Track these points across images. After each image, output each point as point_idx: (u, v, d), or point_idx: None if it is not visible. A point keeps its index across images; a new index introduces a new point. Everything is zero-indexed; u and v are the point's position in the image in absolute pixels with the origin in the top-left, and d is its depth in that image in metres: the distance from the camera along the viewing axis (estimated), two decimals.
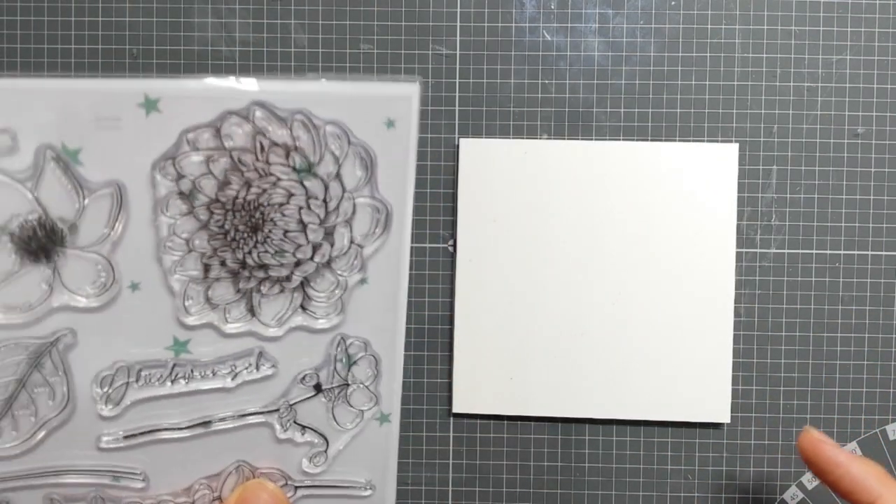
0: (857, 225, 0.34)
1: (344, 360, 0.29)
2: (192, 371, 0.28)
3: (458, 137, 0.34)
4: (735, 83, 0.34)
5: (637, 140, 0.34)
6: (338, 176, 0.27)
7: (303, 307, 0.28)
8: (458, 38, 0.34)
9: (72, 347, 0.27)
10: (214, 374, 0.28)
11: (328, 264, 0.28)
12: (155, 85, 0.25)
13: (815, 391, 0.34)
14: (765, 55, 0.34)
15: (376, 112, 0.27)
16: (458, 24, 0.34)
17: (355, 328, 0.29)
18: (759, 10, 0.34)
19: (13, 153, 0.25)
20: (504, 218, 0.34)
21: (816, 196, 0.34)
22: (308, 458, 0.30)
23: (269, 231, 0.27)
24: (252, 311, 0.28)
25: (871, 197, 0.34)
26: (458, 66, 0.34)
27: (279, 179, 0.27)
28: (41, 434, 0.27)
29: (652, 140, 0.34)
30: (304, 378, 0.29)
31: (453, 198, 0.34)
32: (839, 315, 0.34)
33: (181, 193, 0.26)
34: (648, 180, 0.34)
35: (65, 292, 0.26)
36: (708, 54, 0.34)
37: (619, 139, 0.34)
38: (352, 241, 0.28)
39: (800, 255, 0.34)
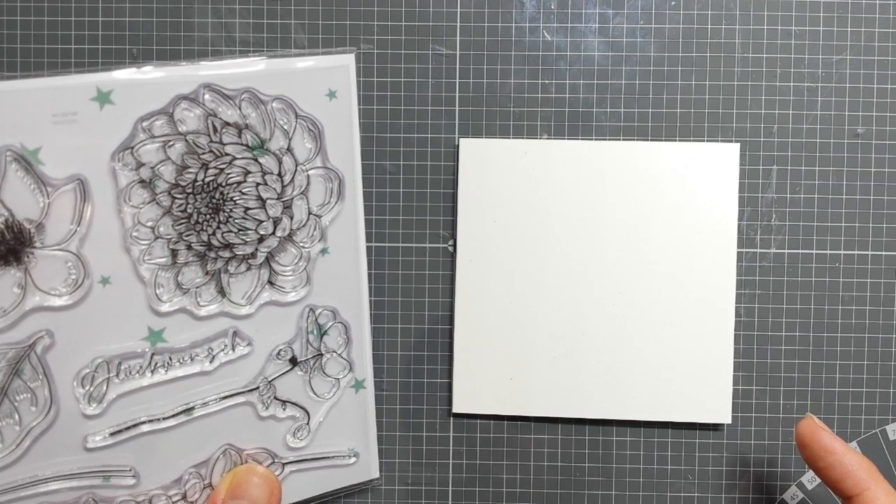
0: (857, 225, 0.34)
1: (315, 331, 0.29)
2: (170, 359, 0.28)
3: (458, 137, 0.34)
4: (735, 83, 0.34)
5: (637, 140, 0.34)
6: (289, 150, 0.28)
7: (270, 282, 0.29)
8: (458, 38, 0.34)
9: (50, 349, 0.27)
10: (192, 359, 0.28)
11: (290, 237, 0.28)
12: (105, 77, 0.26)
13: (815, 391, 0.34)
14: (765, 55, 0.34)
15: (318, 84, 0.28)
16: (458, 24, 0.34)
17: (322, 298, 0.29)
18: (759, 10, 0.34)
19: None
20: (504, 218, 0.34)
21: (816, 196, 0.34)
22: (291, 432, 0.30)
23: (231, 210, 0.28)
24: (222, 292, 0.28)
25: (871, 197, 0.34)
26: (458, 66, 0.34)
27: (234, 158, 0.27)
28: (27, 442, 0.27)
29: (652, 140, 0.34)
30: (279, 353, 0.29)
31: (453, 198, 0.34)
32: (839, 315, 0.34)
33: (142, 181, 0.27)
34: (648, 180, 0.34)
35: (37, 293, 0.26)
36: (708, 54, 0.34)
37: (619, 139, 0.34)
38: (309, 213, 0.28)
39: (800, 255, 0.34)
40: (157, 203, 0.27)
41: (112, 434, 0.28)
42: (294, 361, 0.29)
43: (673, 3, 0.34)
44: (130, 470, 0.28)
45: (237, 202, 0.28)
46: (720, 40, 0.34)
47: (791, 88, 0.34)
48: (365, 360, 0.30)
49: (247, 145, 0.27)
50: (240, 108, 0.27)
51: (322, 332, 0.30)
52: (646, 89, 0.34)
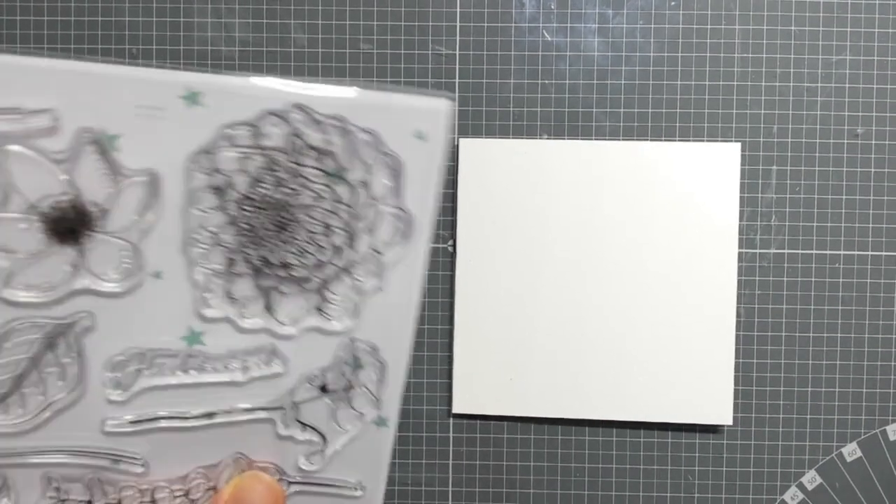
0: (857, 225, 0.34)
1: (351, 364, 0.29)
2: (203, 363, 0.28)
3: (458, 137, 0.34)
4: (735, 83, 0.34)
5: (637, 140, 0.34)
6: (366, 183, 0.27)
7: (318, 309, 0.29)
8: (458, 38, 0.34)
9: (89, 331, 0.27)
10: (226, 367, 0.28)
11: (347, 269, 0.28)
12: (199, 79, 0.26)
13: (815, 391, 0.34)
14: (765, 55, 0.34)
15: (408, 124, 0.27)
16: (458, 24, 0.34)
17: (366, 333, 0.29)
18: (759, 10, 0.34)
19: (53, 134, 0.25)
20: (504, 218, 0.34)
21: (816, 196, 0.34)
22: (305, 455, 0.30)
23: (295, 232, 0.27)
24: (269, 309, 0.28)
25: (871, 197, 0.34)
26: (458, 66, 0.34)
27: (310, 182, 0.27)
28: (47, 413, 0.27)
29: (652, 140, 0.34)
30: (311, 378, 0.29)
31: (453, 198, 0.34)
32: (839, 315, 0.34)
33: (214, 188, 0.27)
34: (649, 180, 0.34)
35: (88, 276, 0.26)
36: (708, 54, 0.34)
37: (619, 139, 0.34)
38: (373, 249, 0.28)
39: (800, 256, 0.34)
40: (225, 211, 0.27)
41: (131, 422, 0.28)
42: (324, 389, 0.30)
43: (673, 3, 0.34)
44: (141, 459, 0.28)
45: (303, 225, 0.27)
46: (720, 40, 0.34)
47: (791, 88, 0.34)
48: (393, 401, 0.31)
49: (325, 171, 0.27)
50: (327, 134, 0.27)
51: (358, 366, 0.30)
52: (646, 89, 0.34)
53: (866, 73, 0.34)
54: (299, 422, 0.29)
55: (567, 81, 0.34)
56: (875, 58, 0.34)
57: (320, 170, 0.27)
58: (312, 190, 0.27)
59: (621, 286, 0.34)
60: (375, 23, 0.34)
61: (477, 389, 0.34)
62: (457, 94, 0.34)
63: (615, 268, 0.34)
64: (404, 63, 0.34)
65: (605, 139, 0.34)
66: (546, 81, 0.34)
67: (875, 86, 0.34)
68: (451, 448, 0.35)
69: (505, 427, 0.35)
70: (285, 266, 0.28)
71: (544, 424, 0.35)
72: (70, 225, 0.26)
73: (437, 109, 0.27)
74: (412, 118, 0.27)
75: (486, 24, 0.34)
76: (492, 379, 0.34)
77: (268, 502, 0.28)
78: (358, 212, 0.28)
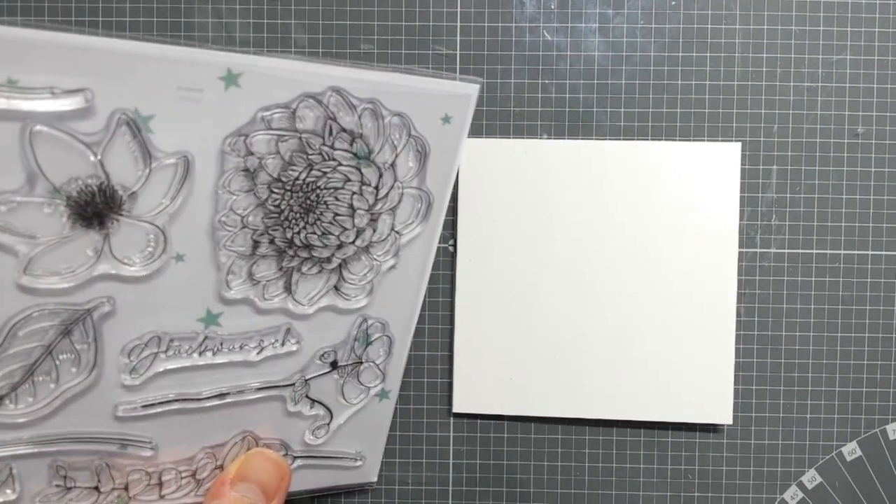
0: (857, 225, 0.34)
1: (362, 340, 0.30)
2: (220, 344, 0.28)
3: None
4: (735, 83, 0.34)
5: (637, 140, 0.34)
6: (393, 165, 0.28)
7: (336, 288, 0.29)
8: (458, 38, 0.34)
9: (108, 316, 0.26)
10: (241, 347, 0.28)
11: (367, 249, 0.28)
12: (239, 59, 0.25)
13: (815, 391, 0.34)
14: (765, 55, 0.34)
15: (437, 108, 0.27)
16: (458, 24, 0.34)
17: (377, 310, 0.29)
18: (759, 10, 0.34)
19: (88, 115, 0.24)
20: (504, 218, 0.34)
21: (816, 196, 0.34)
22: (311, 430, 0.30)
23: (321, 213, 0.27)
24: (288, 289, 0.28)
25: (871, 197, 0.34)
26: (458, 66, 0.34)
27: (339, 164, 0.27)
28: (58, 402, 0.27)
29: (652, 140, 0.34)
30: (322, 355, 0.29)
31: (454, 198, 0.34)
32: (839, 315, 0.34)
33: (246, 170, 0.26)
34: (649, 180, 0.34)
35: (111, 260, 0.26)
36: (708, 54, 0.34)
37: (619, 139, 0.34)
38: (392, 229, 0.28)
39: (800, 255, 0.34)
40: (254, 194, 0.26)
41: (144, 406, 0.28)
42: (334, 365, 0.30)
43: (673, 3, 0.34)
44: (150, 442, 0.28)
45: (329, 206, 0.27)
46: (720, 40, 0.34)
47: (791, 88, 0.34)
48: (398, 373, 0.31)
49: (355, 154, 0.27)
50: (360, 118, 0.27)
51: (368, 342, 0.30)
52: (646, 89, 0.34)
53: (866, 73, 0.34)
54: (308, 398, 0.29)
55: (567, 81, 0.34)
56: (875, 58, 0.34)
57: (351, 152, 0.27)
58: (341, 172, 0.27)
59: (621, 286, 0.34)
60: (375, 23, 0.34)
61: (477, 389, 0.34)
62: None
63: (615, 267, 0.34)
64: (404, 63, 0.34)
65: (605, 139, 0.34)
66: (546, 81, 0.34)
67: (875, 86, 0.34)
68: (451, 448, 0.35)
69: (505, 427, 0.35)
70: (308, 247, 0.28)
71: (544, 424, 0.35)
72: (97, 209, 0.25)
73: (465, 94, 0.27)
74: (441, 102, 0.27)
75: (486, 24, 0.34)
76: (492, 379, 0.34)
77: (274, 478, 0.28)
78: (381, 192, 0.28)
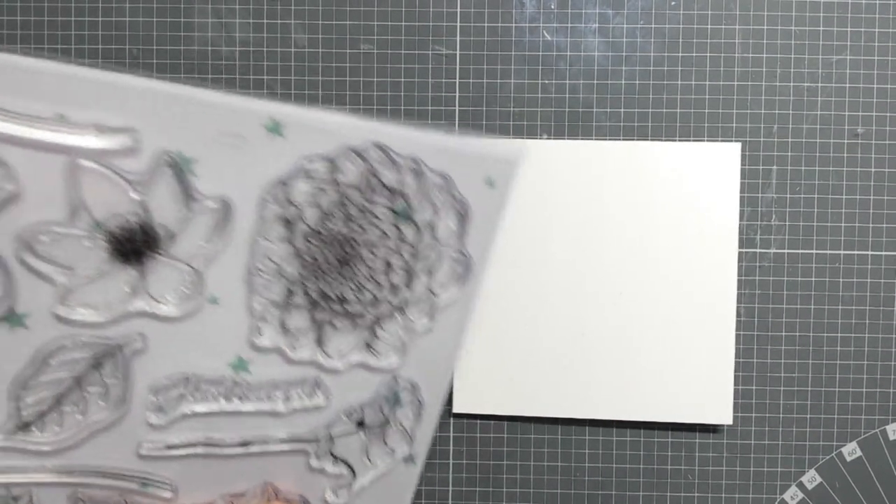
0: (857, 225, 0.34)
1: (391, 401, 0.29)
2: (247, 392, 0.28)
3: None
4: (735, 83, 0.34)
5: (637, 140, 0.34)
6: (432, 225, 0.27)
7: (367, 345, 0.28)
8: (458, 38, 0.34)
9: (140, 353, 0.27)
10: (269, 397, 0.28)
11: (401, 308, 0.28)
12: (283, 109, 0.25)
13: (815, 391, 0.34)
14: (765, 55, 0.34)
15: (480, 170, 0.27)
16: (458, 24, 0.34)
17: (409, 372, 0.29)
18: (759, 10, 0.34)
19: (132, 154, 0.25)
20: (504, 218, 0.34)
21: (816, 196, 0.34)
22: (333, 489, 0.30)
23: (356, 267, 0.27)
24: (319, 342, 0.28)
25: (871, 197, 0.34)
26: (458, 66, 0.34)
27: (378, 220, 0.27)
28: (84, 434, 0.27)
29: (652, 140, 0.34)
30: (350, 413, 0.29)
31: None
32: (839, 315, 0.34)
33: (284, 219, 0.26)
34: (649, 180, 0.34)
35: (146, 298, 0.26)
36: (708, 54, 0.34)
37: (619, 139, 0.34)
38: (429, 290, 0.28)
39: (800, 255, 0.34)
40: (291, 243, 0.27)
41: (168, 447, 0.28)
42: (361, 424, 0.29)
43: (673, 3, 0.34)
44: (170, 484, 0.28)
45: (365, 261, 0.27)
46: (720, 40, 0.34)
47: (791, 88, 0.34)
48: (426, 439, 0.30)
49: (394, 211, 0.27)
50: (401, 175, 0.27)
51: (396, 404, 0.29)
52: (646, 89, 0.34)
53: (866, 73, 0.34)
54: (332, 455, 0.29)
55: (567, 81, 0.34)
56: (875, 58, 0.34)
57: (390, 209, 0.27)
58: (379, 228, 0.27)
59: (621, 286, 0.34)
60: (375, 23, 0.34)
61: (477, 389, 0.34)
62: (457, 94, 0.34)
63: (615, 267, 0.34)
64: (404, 63, 0.34)
65: (605, 139, 0.34)
66: (546, 81, 0.34)
67: (875, 86, 0.34)
68: (451, 448, 0.35)
69: (505, 427, 0.35)
70: (342, 300, 0.27)
71: (544, 424, 0.35)
72: (136, 246, 0.25)
73: (510, 159, 0.27)
74: (485, 165, 0.27)
75: (486, 24, 0.34)
76: (492, 379, 0.34)
77: None
78: (420, 252, 0.27)
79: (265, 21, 0.34)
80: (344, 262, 0.27)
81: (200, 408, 0.27)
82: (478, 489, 0.35)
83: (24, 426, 0.26)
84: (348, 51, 0.34)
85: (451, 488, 0.35)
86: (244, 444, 0.28)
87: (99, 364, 0.26)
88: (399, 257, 0.27)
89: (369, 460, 0.29)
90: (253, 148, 0.25)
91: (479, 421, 0.35)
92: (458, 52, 0.34)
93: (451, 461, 0.35)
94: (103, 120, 0.24)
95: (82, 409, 0.26)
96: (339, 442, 0.29)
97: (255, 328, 0.27)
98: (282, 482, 0.29)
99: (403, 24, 0.34)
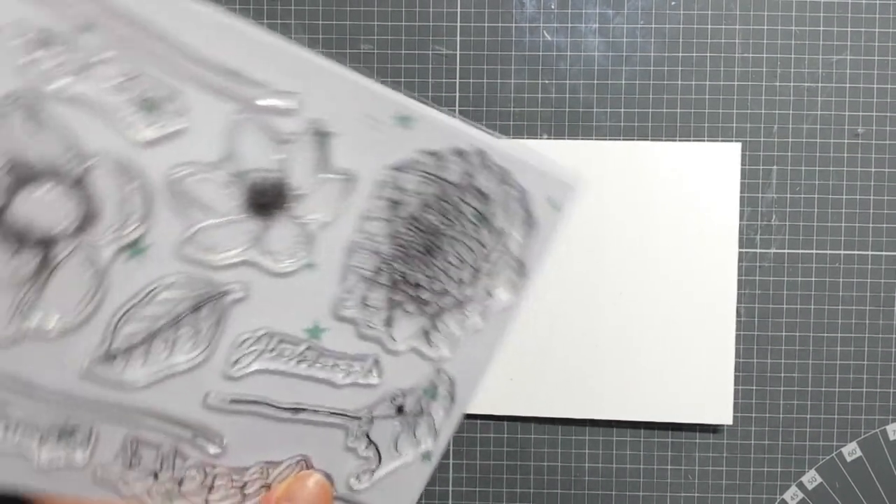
0: (857, 225, 0.34)
1: (430, 392, 0.30)
2: (317, 358, 0.29)
3: None
4: (735, 83, 0.34)
5: (637, 140, 0.34)
6: (503, 233, 0.29)
7: (426, 332, 0.30)
8: (458, 38, 0.34)
9: (238, 303, 0.27)
10: (332, 367, 0.29)
11: (462, 303, 0.29)
12: (415, 106, 0.27)
13: (815, 391, 0.34)
14: (765, 55, 0.34)
15: (551, 191, 0.29)
16: (458, 24, 0.34)
17: (453, 368, 0.30)
18: (759, 10, 0.34)
19: (289, 116, 0.26)
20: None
21: (816, 196, 0.34)
22: (356, 474, 0.30)
23: (436, 258, 0.29)
24: (388, 322, 0.29)
25: (871, 197, 0.34)
26: (458, 66, 0.34)
27: (465, 218, 0.29)
28: (161, 375, 0.27)
29: (652, 140, 0.34)
30: (394, 397, 0.30)
31: None
32: (839, 315, 0.34)
33: (392, 202, 0.28)
34: (649, 180, 0.34)
35: (260, 250, 0.27)
36: (708, 54, 0.34)
37: (619, 139, 0.34)
38: (487, 291, 0.29)
39: (800, 255, 0.34)
40: (391, 224, 0.28)
41: (232, 401, 0.28)
42: (400, 410, 0.30)
43: (673, 3, 0.34)
44: (222, 440, 0.29)
45: (445, 254, 0.29)
46: (720, 40, 0.34)
47: (791, 88, 0.34)
48: (445, 439, 0.31)
49: (479, 212, 0.29)
50: (491, 182, 0.29)
51: (433, 396, 0.30)
52: (646, 89, 0.34)
53: (866, 73, 0.34)
54: (367, 437, 0.30)
55: (567, 81, 0.34)
56: (875, 58, 0.34)
57: (477, 211, 0.29)
58: (464, 225, 0.29)
59: (621, 286, 0.34)
60: (375, 23, 0.34)
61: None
62: (457, 94, 0.34)
63: (615, 267, 0.34)
64: (404, 63, 0.34)
65: (605, 139, 0.34)
66: (546, 81, 0.34)
67: (875, 86, 0.34)
68: (451, 448, 0.35)
69: (505, 427, 0.35)
70: (416, 286, 0.29)
71: (545, 424, 0.35)
72: (267, 200, 0.27)
73: (571, 185, 0.29)
74: (556, 188, 0.29)
75: (486, 24, 0.34)
76: (492, 378, 0.34)
77: (320, 499, 0.29)
78: (489, 255, 0.29)
79: (265, 21, 0.34)
80: (428, 250, 0.29)
81: (272, 365, 0.28)
82: (478, 489, 0.35)
83: (111, 358, 0.27)
84: (348, 51, 0.34)
85: (451, 488, 0.35)
86: (296, 409, 0.29)
87: (198, 307, 0.27)
88: (472, 255, 0.29)
89: (396, 449, 0.30)
90: (382, 133, 0.27)
91: (479, 421, 0.35)
92: (458, 52, 0.34)
93: (451, 461, 0.35)
94: (273, 81, 0.26)
95: (170, 350, 0.27)
96: (376, 424, 0.30)
97: (341, 299, 0.28)
98: (316, 458, 0.30)
99: (403, 24, 0.34)
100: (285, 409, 0.29)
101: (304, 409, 0.29)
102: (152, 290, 0.27)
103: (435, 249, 0.29)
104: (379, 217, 0.28)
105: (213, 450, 0.29)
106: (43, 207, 0.25)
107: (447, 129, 0.28)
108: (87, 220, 0.26)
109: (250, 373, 0.28)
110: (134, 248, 0.26)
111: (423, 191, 0.28)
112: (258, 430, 0.29)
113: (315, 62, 0.27)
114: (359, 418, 0.30)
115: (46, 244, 0.26)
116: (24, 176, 0.25)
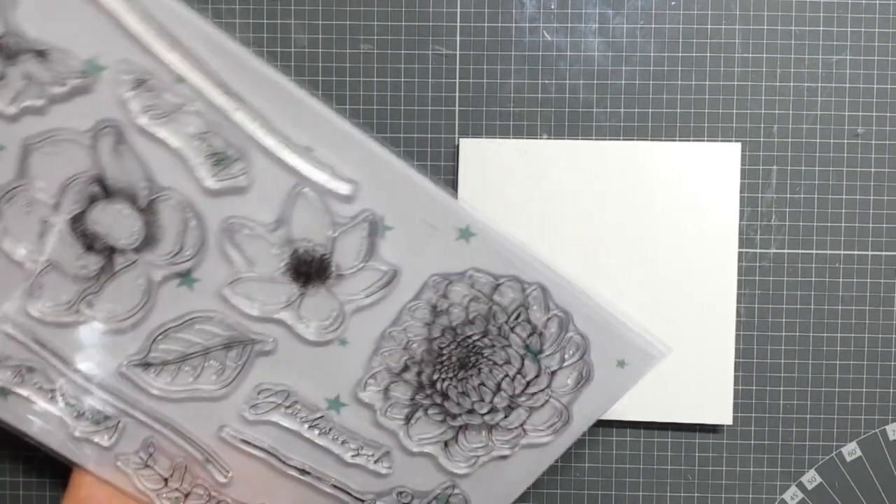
0: (857, 225, 0.34)
1: (440, 503, 0.31)
2: (329, 430, 0.30)
3: (458, 137, 0.34)
4: (735, 83, 0.34)
5: (637, 140, 0.34)
6: (553, 374, 0.29)
7: (445, 444, 0.30)
8: (458, 38, 0.34)
9: (265, 355, 0.29)
10: (343, 443, 0.30)
11: (491, 428, 0.30)
12: (478, 223, 0.28)
13: (815, 391, 0.34)
14: (765, 55, 0.34)
15: (618, 351, 0.29)
16: (458, 24, 0.34)
17: (469, 486, 0.31)
18: (759, 10, 0.34)
19: (346, 202, 0.28)
20: (504, 218, 0.34)
21: (816, 196, 0.34)
22: None
23: (471, 375, 0.29)
24: (408, 420, 0.30)
25: (871, 197, 0.34)
26: (458, 66, 0.34)
27: (509, 345, 0.29)
28: (185, 395, 0.29)
29: (652, 140, 0.34)
30: (401, 493, 0.30)
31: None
32: (839, 315, 0.34)
33: (433, 308, 0.29)
34: (648, 180, 0.34)
35: (294, 314, 0.29)
36: (708, 54, 0.34)
37: (619, 139, 0.34)
38: (522, 426, 0.30)
39: (800, 255, 0.34)
40: (429, 328, 0.29)
41: (242, 441, 0.30)
42: None
43: (673, 3, 0.34)
44: (229, 472, 0.30)
45: (481, 374, 0.29)
46: (720, 40, 0.34)
47: (791, 88, 0.34)
48: None
49: (526, 345, 0.29)
50: (549, 319, 0.29)
51: None
52: (646, 89, 0.34)
53: (866, 73, 0.34)
54: None
55: (567, 81, 0.34)
56: (875, 58, 0.34)
57: (525, 343, 0.29)
58: (507, 353, 0.29)
59: (620, 286, 0.34)
60: (375, 23, 0.34)
61: None
62: (457, 94, 0.34)
63: (615, 267, 0.34)
64: (404, 63, 0.34)
65: (605, 139, 0.34)
66: (546, 81, 0.34)
67: (875, 86, 0.34)
68: None
69: None
70: (444, 396, 0.29)
71: None
72: (309, 270, 0.28)
73: (650, 353, 0.29)
74: (624, 348, 0.29)
75: (486, 24, 0.34)
76: None
77: None
78: (531, 391, 0.29)
79: (265, 21, 0.34)
80: (463, 366, 0.29)
81: (285, 422, 0.30)
82: None
83: (146, 366, 0.29)
84: (348, 51, 0.34)
85: None
86: (303, 471, 0.30)
87: (229, 347, 0.29)
88: (511, 385, 0.29)
89: None
90: (440, 240, 0.28)
91: None
92: (458, 52, 0.34)
93: None
94: (338, 166, 0.28)
95: (196, 375, 0.29)
96: None
97: (364, 382, 0.29)
98: None
99: (403, 24, 0.34)
100: (292, 466, 0.30)
101: (310, 474, 0.30)
102: (192, 319, 0.29)
103: (470, 367, 0.29)
104: (418, 319, 0.29)
105: (220, 478, 0.30)
106: (115, 221, 0.28)
107: (510, 257, 0.28)
108: (148, 241, 0.28)
109: (265, 421, 0.30)
110: (184, 277, 0.28)
111: (469, 306, 0.29)
112: (264, 477, 0.30)
113: (383, 158, 0.28)
114: (363, 501, 0.30)
115: (111, 253, 0.28)
116: (105, 190, 0.28)
